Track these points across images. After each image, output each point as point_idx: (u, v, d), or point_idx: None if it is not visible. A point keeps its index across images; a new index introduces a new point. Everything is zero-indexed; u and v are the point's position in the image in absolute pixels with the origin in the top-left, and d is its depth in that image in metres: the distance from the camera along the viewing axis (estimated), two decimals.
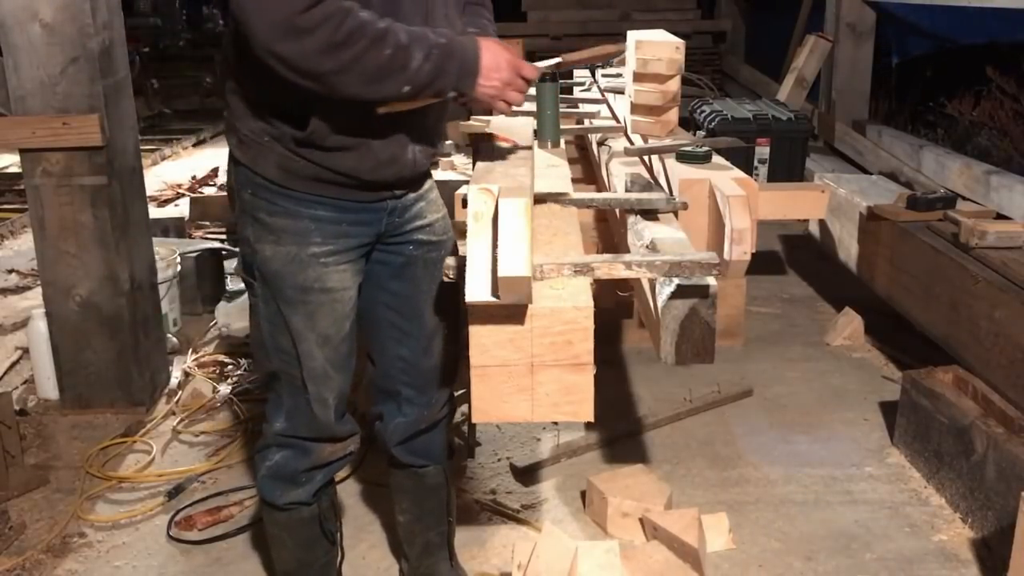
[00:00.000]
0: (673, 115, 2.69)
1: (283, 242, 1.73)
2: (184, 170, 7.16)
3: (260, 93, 1.64)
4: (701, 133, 5.24)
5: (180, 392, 3.27)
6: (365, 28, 1.48)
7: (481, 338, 1.46)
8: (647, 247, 1.77)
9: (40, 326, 3.17)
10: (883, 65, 6.15)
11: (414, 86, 1.53)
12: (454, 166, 5.85)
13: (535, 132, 2.24)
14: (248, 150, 1.70)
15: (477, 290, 1.44)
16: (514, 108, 1.68)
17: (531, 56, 2.04)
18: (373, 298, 1.90)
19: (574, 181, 2.34)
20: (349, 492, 2.66)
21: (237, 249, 4.81)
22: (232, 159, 1.76)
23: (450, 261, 1.64)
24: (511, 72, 1.63)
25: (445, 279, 1.63)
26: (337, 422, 1.89)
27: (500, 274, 1.37)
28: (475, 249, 1.51)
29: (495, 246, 1.44)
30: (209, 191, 6.38)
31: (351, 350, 1.87)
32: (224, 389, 3.29)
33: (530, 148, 1.97)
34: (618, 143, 2.84)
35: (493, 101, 1.63)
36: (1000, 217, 3.61)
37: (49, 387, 3.23)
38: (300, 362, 1.80)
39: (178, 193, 6.40)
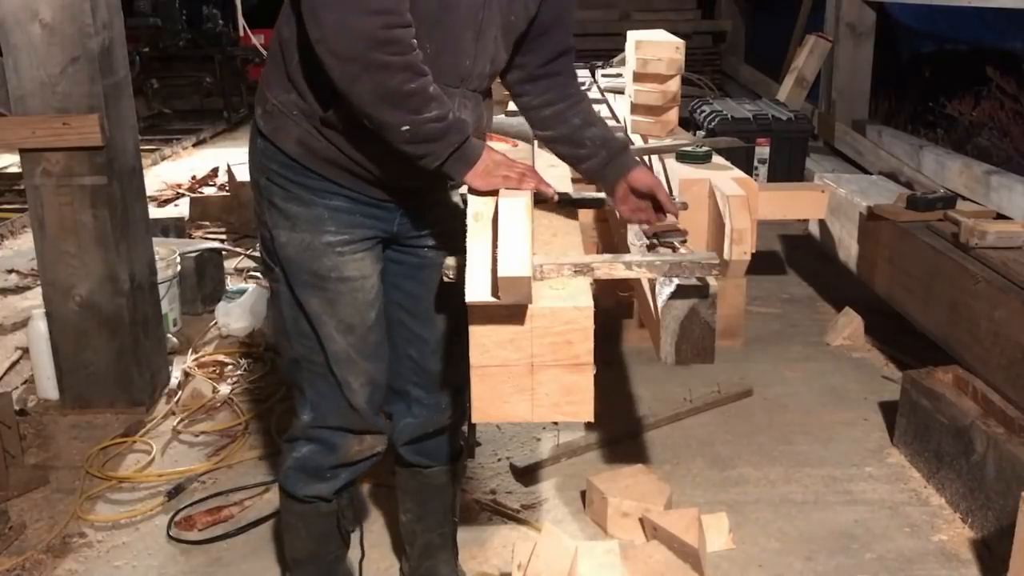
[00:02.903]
0: (673, 115, 2.69)
1: (298, 229, 1.73)
2: (184, 170, 7.16)
3: (298, 64, 1.63)
4: (701, 133, 5.24)
5: (180, 392, 3.27)
6: (409, 48, 1.48)
7: (481, 338, 1.46)
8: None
9: (40, 326, 3.17)
10: (890, 61, 6.12)
11: (413, 133, 1.51)
12: None
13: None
14: (272, 120, 1.70)
15: (477, 290, 1.44)
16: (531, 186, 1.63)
17: None
18: (386, 296, 1.90)
19: (574, 181, 2.34)
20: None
21: (238, 249, 4.84)
22: (253, 135, 1.76)
23: (450, 261, 1.64)
24: (505, 165, 1.61)
25: (445, 279, 1.63)
26: (372, 412, 1.88)
27: (500, 274, 1.37)
28: (475, 249, 1.52)
29: (495, 246, 1.44)
30: (209, 191, 6.38)
31: (381, 338, 1.86)
32: (224, 389, 3.29)
33: (530, 148, 1.97)
34: None
35: (490, 179, 1.60)
36: (1000, 217, 3.61)
37: (49, 387, 3.23)
38: (323, 346, 1.80)
39: (178, 193, 6.40)
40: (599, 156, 1.80)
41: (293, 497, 1.95)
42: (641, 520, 2.43)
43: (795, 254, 4.77)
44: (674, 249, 1.69)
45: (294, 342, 1.83)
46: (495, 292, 1.41)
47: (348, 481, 1.96)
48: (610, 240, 2.93)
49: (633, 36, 2.69)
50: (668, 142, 2.74)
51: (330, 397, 1.84)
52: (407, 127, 1.51)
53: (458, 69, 1.65)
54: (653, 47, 2.56)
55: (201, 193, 6.26)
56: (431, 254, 1.87)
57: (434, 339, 1.93)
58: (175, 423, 3.09)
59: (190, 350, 3.62)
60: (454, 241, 1.87)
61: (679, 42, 2.56)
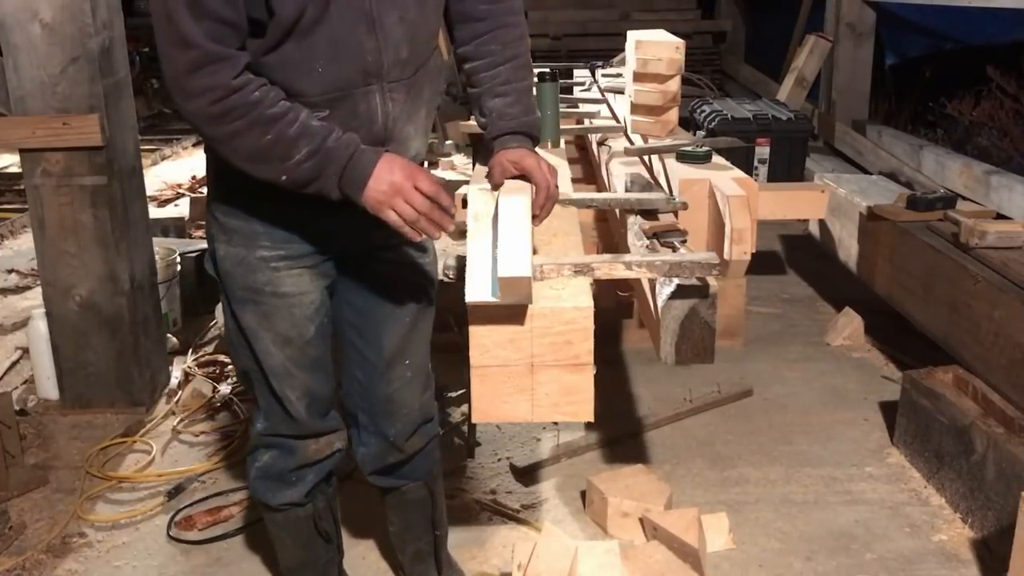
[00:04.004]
0: (673, 115, 2.69)
1: (233, 243, 1.71)
2: (184, 170, 7.16)
3: None
4: (701, 133, 5.24)
5: (180, 392, 3.27)
6: (249, 108, 1.45)
7: (481, 338, 1.46)
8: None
9: (40, 326, 3.17)
10: (879, 66, 6.15)
11: (292, 179, 1.50)
12: (454, 166, 5.86)
13: None
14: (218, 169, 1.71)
15: (477, 290, 1.44)
16: (424, 230, 1.51)
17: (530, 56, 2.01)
18: (339, 314, 1.87)
19: (574, 181, 2.35)
20: (348, 493, 2.65)
21: None
22: (208, 151, 1.74)
23: (450, 261, 1.64)
24: (405, 184, 1.49)
25: (445, 279, 1.62)
26: (316, 419, 1.87)
27: (500, 274, 1.37)
28: (475, 249, 1.52)
29: (495, 246, 1.44)
30: None
31: (322, 352, 1.83)
32: (224, 389, 3.29)
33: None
34: (618, 143, 2.84)
35: (382, 211, 1.50)
36: (1000, 217, 3.61)
37: (49, 387, 3.23)
38: (259, 360, 1.79)
39: (178, 193, 6.40)
40: (489, 129, 1.70)
41: (268, 507, 1.95)
42: (641, 520, 2.43)
43: (795, 254, 4.77)
44: (674, 249, 1.70)
45: (239, 353, 1.83)
46: (495, 292, 1.41)
47: (316, 481, 1.94)
48: (610, 240, 2.93)
49: (633, 36, 2.68)
50: (668, 142, 2.73)
51: (277, 408, 1.84)
52: (284, 175, 1.50)
53: (363, 69, 1.58)
54: (653, 47, 2.55)
55: (201, 193, 6.26)
56: (383, 270, 1.82)
57: (381, 363, 1.88)
58: (175, 423, 3.09)
59: (190, 350, 3.62)
60: (406, 252, 1.81)
61: (679, 42, 2.55)
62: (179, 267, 3.81)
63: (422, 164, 1.69)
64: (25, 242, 5.19)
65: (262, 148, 1.47)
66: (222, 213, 1.72)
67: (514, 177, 1.63)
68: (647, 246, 1.73)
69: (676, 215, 1.94)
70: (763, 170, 5.21)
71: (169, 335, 3.61)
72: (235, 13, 1.43)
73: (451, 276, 1.65)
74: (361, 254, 1.80)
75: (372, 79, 1.59)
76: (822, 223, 4.15)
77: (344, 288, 1.84)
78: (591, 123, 3.27)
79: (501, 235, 1.43)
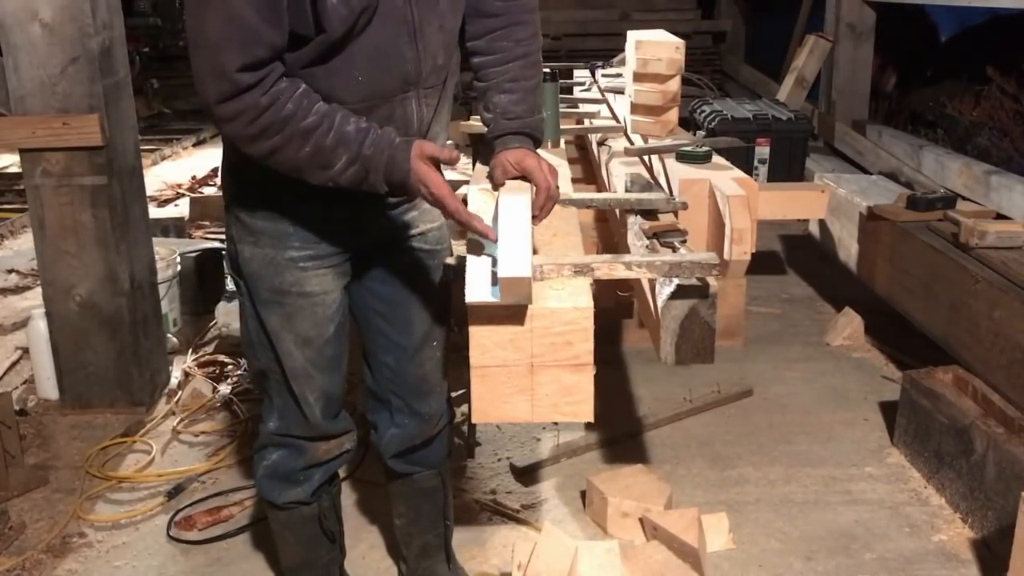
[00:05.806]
0: (673, 115, 2.69)
1: (261, 244, 1.71)
2: (184, 170, 7.16)
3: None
4: (701, 133, 5.24)
5: (180, 392, 3.27)
6: (284, 123, 1.45)
7: (481, 338, 1.46)
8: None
9: (40, 326, 3.17)
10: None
11: (340, 185, 1.52)
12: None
13: None
14: (239, 175, 1.71)
15: (477, 290, 1.44)
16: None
17: None
18: (364, 304, 1.88)
19: (574, 181, 2.35)
20: (349, 492, 2.66)
21: None
22: (225, 153, 1.75)
23: (450, 261, 1.64)
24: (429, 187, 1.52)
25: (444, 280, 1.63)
26: (328, 421, 1.88)
27: (500, 274, 1.37)
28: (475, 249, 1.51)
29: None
30: (209, 191, 6.38)
31: (338, 352, 1.85)
32: (224, 389, 3.29)
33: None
34: (618, 143, 2.84)
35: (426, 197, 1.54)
36: (1000, 217, 3.61)
37: (49, 387, 3.23)
38: (280, 361, 1.80)
39: (178, 193, 6.40)
40: (492, 126, 1.70)
41: (274, 505, 1.96)
42: (641, 520, 2.43)
43: (795, 254, 4.77)
44: (674, 249, 1.69)
45: (259, 354, 1.83)
46: (495, 292, 1.41)
47: (323, 481, 1.95)
48: (610, 240, 2.93)
49: (633, 36, 2.68)
50: (668, 142, 2.74)
51: (294, 409, 1.85)
52: (330, 182, 1.52)
53: (403, 78, 1.60)
54: (653, 47, 2.56)
55: (201, 193, 6.27)
56: (407, 259, 1.84)
57: (412, 346, 1.90)
58: (175, 423, 3.09)
59: (190, 350, 3.62)
60: (427, 240, 1.84)
61: (679, 42, 2.55)
62: (179, 267, 3.81)
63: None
64: (25, 242, 5.19)
65: (302, 159, 1.49)
66: (247, 214, 1.71)
67: (515, 177, 1.63)
68: (647, 246, 1.73)
69: (676, 215, 1.94)
70: (763, 170, 5.21)
71: (169, 335, 3.61)
72: (280, 37, 1.44)
73: (451, 276, 1.67)
74: (389, 243, 1.82)
75: (410, 87, 1.62)
76: (822, 223, 4.15)
77: (370, 278, 1.86)
78: (591, 123, 3.27)
79: (501, 235, 1.42)
